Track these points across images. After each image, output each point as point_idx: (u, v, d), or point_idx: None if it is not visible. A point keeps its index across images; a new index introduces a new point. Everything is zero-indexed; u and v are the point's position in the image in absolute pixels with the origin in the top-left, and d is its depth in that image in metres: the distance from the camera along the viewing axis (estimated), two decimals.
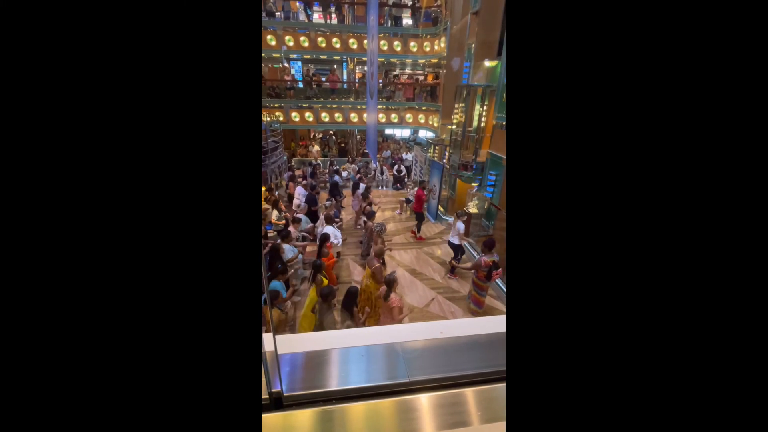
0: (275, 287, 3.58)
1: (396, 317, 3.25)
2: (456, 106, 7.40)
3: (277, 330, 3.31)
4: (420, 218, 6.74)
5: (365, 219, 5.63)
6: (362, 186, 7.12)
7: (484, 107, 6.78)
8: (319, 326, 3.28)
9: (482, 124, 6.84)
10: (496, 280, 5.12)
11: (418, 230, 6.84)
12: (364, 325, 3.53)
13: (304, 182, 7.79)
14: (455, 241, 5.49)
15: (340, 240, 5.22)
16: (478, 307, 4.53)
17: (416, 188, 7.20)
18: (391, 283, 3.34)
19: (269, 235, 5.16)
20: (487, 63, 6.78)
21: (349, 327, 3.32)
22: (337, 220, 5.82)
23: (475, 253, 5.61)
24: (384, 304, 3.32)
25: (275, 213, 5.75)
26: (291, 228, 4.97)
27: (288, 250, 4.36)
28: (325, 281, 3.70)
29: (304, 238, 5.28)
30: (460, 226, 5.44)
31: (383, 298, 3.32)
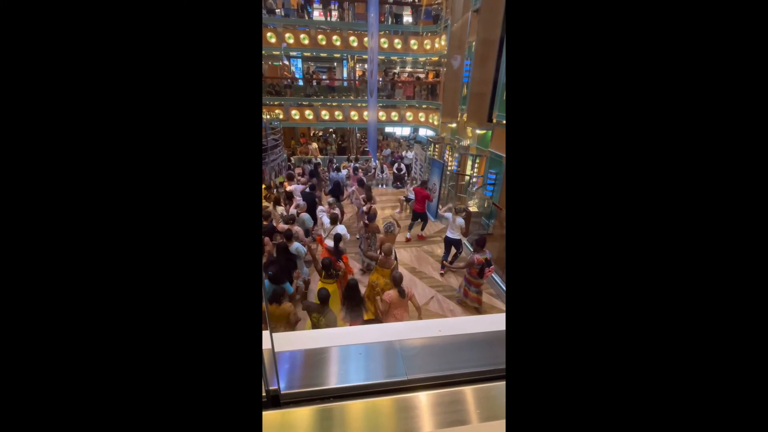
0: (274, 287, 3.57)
1: (417, 304, 3.48)
2: (449, 157, 8.30)
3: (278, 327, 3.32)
4: (423, 218, 6.71)
5: (366, 221, 5.59)
6: (351, 188, 7.09)
7: (476, 164, 7.74)
8: (317, 324, 3.29)
9: (473, 179, 7.73)
10: (494, 277, 5.15)
11: (422, 229, 6.79)
12: (375, 313, 3.62)
13: (303, 179, 7.76)
14: (454, 235, 5.43)
15: (348, 236, 5.22)
16: (469, 300, 4.59)
17: (418, 186, 7.17)
18: (397, 281, 3.46)
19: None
20: (479, 131, 7.66)
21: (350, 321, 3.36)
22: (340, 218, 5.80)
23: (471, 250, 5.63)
24: (400, 299, 3.40)
25: (280, 209, 5.71)
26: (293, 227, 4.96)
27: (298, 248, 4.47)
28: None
29: (307, 234, 5.26)
30: (460, 221, 5.43)
31: (400, 294, 3.39)
